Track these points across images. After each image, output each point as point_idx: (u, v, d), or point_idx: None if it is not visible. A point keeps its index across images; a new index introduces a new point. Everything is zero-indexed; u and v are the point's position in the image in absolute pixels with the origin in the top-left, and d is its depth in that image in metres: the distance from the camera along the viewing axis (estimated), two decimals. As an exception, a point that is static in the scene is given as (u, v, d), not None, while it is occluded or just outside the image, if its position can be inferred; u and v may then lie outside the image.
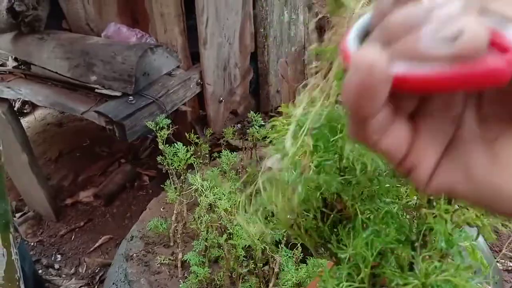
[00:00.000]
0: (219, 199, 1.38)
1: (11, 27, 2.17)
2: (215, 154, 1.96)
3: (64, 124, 3.43)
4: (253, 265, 1.42)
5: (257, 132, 1.87)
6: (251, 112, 1.88)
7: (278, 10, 2.39)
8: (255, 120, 1.87)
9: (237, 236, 1.36)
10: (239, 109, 2.49)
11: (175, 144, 1.56)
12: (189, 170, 1.64)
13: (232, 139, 1.98)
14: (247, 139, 1.96)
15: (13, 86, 2.23)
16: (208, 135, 1.97)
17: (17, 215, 2.69)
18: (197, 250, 1.46)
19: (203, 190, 1.39)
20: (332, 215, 0.57)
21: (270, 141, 1.80)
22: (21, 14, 2.09)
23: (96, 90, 1.94)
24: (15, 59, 2.40)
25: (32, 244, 2.53)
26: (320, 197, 0.57)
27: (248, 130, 1.91)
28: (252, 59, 2.45)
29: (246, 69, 2.41)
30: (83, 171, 2.96)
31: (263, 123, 1.94)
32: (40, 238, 2.57)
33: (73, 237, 2.56)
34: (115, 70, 1.89)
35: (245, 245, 1.37)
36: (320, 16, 1.35)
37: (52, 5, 2.28)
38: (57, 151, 3.14)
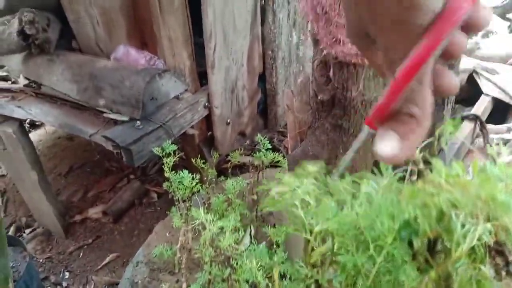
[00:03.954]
0: (222, 232, 1.38)
1: (21, 48, 2.20)
2: (222, 178, 1.96)
3: (75, 137, 3.46)
4: (257, 299, 1.41)
5: (264, 155, 1.87)
6: (259, 135, 1.88)
7: (286, 32, 2.39)
8: (262, 144, 1.86)
9: (241, 270, 1.36)
10: (247, 130, 2.49)
11: (181, 171, 1.56)
12: (196, 193, 1.63)
13: (241, 155, 1.97)
14: (253, 155, 1.95)
15: (23, 106, 2.25)
16: (215, 159, 1.97)
17: (27, 231, 2.71)
18: (200, 283, 1.46)
19: (207, 223, 1.38)
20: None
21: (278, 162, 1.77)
22: (31, 36, 2.11)
23: (104, 115, 1.95)
24: (26, 78, 2.43)
25: (41, 260, 2.55)
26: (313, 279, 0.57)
27: (256, 147, 1.91)
28: (260, 80, 2.45)
29: (254, 90, 2.41)
30: (93, 187, 2.98)
31: (270, 147, 1.93)
32: (49, 254, 2.59)
33: (81, 254, 2.57)
34: (123, 95, 1.90)
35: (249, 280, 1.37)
36: (325, 52, 1.34)
37: (63, 26, 2.31)
38: (67, 165, 3.16)
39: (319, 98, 1.38)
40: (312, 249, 0.58)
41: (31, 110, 2.22)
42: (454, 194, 0.48)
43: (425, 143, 0.63)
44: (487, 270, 0.51)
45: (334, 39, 1.24)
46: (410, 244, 0.53)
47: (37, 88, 2.35)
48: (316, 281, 0.55)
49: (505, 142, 2.48)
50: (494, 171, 0.56)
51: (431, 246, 0.54)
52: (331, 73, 1.31)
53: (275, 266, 0.76)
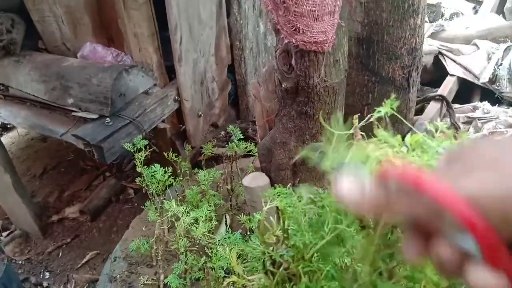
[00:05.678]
0: (195, 222, 1.40)
1: (-14, 51, 2.18)
2: (196, 170, 1.99)
3: (47, 138, 3.43)
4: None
5: (237, 146, 1.89)
6: (230, 126, 1.90)
7: (253, 22, 2.41)
8: (234, 134, 1.89)
9: (216, 257, 1.39)
10: (219, 121, 2.51)
11: (153, 165, 1.58)
12: (170, 187, 1.65)
13: (214, 146, 2.00)
14: (226, 146, 1.97)
15: (-8, 108, 2.23)
16: (188, 152, 1.99)
17: (4, 234, 2.70)
18: (177, 273, 1.48)
19: (180, 214, 1.41)
20: (278, 273, 0.59)
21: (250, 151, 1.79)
22: (-5, 38, 2.10)
23: (73, 114, 1.95)
24: (-7, 80, 2.40)
25: (20, 262, 2.54)
26: (268, 256, 0.60)
27: (231, 138, 1.93)
28: (229, 71, 2.47)
29: (224, 81, 2.43)
30: (68, 187, 2.97)
31: (243, 137, 1.96)
32: (28, 256, 2.59)
33: (60, 253, 2.58)
34: (91, 93, 1.90)
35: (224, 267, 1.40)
36: (286, 41, 1.37)
37: (28, 26, 2.29)
38: (41, 167, 3.14)
39: (283, 86, 1.41)
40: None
41: (0, 113, 2.20)
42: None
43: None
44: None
45: (293, 28, 1.27)
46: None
47: (5, 90, 2.33)
48: (271, 257, 0.59)
49: (470, 120, 2.56)
50: (431, 144, 0.60)
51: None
52: (293, 62, 1.34)
53: (233, 247, 0.79)
